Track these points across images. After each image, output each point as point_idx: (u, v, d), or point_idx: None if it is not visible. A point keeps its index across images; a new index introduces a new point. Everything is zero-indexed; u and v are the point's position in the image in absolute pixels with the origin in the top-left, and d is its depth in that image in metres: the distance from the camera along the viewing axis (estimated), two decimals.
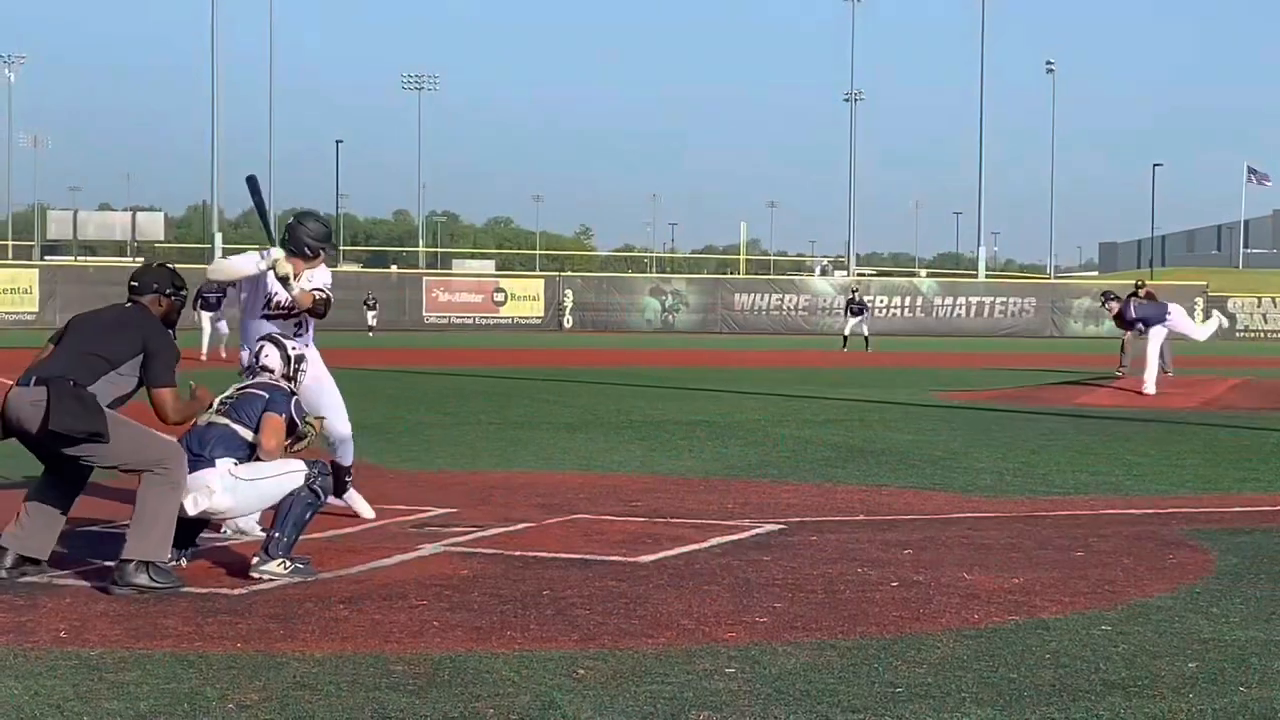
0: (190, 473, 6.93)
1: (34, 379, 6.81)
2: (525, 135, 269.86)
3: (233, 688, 5.02)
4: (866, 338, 45.09)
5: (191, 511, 6.95)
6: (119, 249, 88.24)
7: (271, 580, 6.80)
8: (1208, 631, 5.95)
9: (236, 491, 7.04)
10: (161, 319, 7.17)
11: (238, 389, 7.50)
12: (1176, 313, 22.67)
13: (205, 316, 32.71)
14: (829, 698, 4.93)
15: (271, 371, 7.66)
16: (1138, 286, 29.43)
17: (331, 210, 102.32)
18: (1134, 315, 22.85)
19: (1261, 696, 4.99)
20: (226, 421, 7.22)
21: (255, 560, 6.94)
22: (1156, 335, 21.79)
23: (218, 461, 7.05)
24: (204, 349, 31.72)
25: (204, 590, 6.66)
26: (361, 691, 4.98)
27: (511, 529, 8.52)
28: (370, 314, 57.74)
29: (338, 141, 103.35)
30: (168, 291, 7.20)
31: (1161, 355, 27.50)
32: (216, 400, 7.38)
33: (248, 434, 7.22)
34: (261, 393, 7.42)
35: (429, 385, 23.76)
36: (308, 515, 7.09)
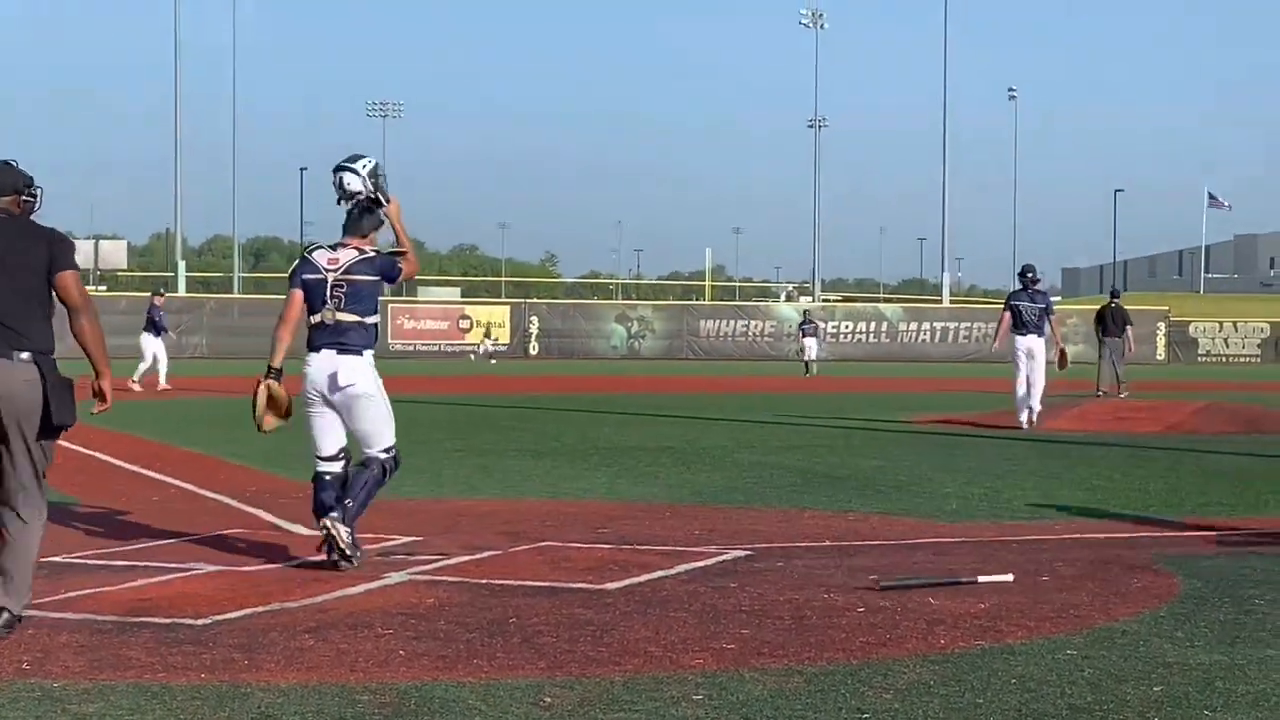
0: (338, 354, 7.80)
1: (14, 351, 6.26)
2: (490, 163, 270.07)
3: (196, 719, 4.99)
4: (807, 363, 44.63)
5: (345, 380, 7.81)
6: (83, 277, 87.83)
7: (240, 609, 6.77)
8: (1172, 655, 5.98)
9: (376, 387, 8.00)
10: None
11: (344, 276, 7.86)
12: (1038, 354, 19.18)
13: (151, 339, 29.29)
14: None
15: (359, 194, 7.99)
16: (1113, 295, 29.61)
17: (296, 239, 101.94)
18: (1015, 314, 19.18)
19: None
20: (356, 318, 7.87)
21: (334, 515, 7.74)
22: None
23: (364, 352, 7.89)
24: (138, 375, 28.87)
25: (167, 620, 6.61)
26: None
27: (477, 557, 8.49)
28: (487, 341, 60.91)
29: (302, 169, 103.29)
30: (25, 193, 6.61)
31: (1113, 375, 27.66)
32: (328, 296, 7.83)
33: (374, 319, 7.98)
34: (369, 276, 7.89)
35: (395, 412, 23.62)
36: (375, 491, 8.09)
